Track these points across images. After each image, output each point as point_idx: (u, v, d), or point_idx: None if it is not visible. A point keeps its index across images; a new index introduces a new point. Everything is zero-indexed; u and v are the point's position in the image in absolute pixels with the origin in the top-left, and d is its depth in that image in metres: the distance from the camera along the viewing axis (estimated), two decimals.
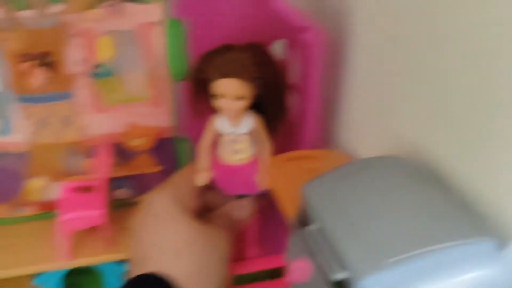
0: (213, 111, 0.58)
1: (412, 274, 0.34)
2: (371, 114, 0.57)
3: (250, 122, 0.57)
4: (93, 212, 0.64)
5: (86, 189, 0.69)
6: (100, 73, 0.66)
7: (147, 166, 0.73)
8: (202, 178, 0.60)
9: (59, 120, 0.67)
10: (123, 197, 0.75)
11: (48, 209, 0.73)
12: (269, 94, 0.56)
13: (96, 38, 0.63)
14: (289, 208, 0.50)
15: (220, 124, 0.57)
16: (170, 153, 0.73)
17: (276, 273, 0.75)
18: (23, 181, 0.70)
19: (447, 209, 0.38)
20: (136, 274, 0.48)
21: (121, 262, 0.70)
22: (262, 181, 0.60)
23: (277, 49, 0.63)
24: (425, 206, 0.38)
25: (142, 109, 0.69)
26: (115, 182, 0.73)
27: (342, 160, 0.58)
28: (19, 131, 0.66)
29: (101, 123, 0.68)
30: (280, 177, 0.55)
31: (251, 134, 0.58)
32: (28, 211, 0.72)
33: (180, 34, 0.64)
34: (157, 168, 0.73)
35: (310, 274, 0.44)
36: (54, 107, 0.66)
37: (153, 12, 0.64)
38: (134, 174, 0.73)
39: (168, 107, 0.70)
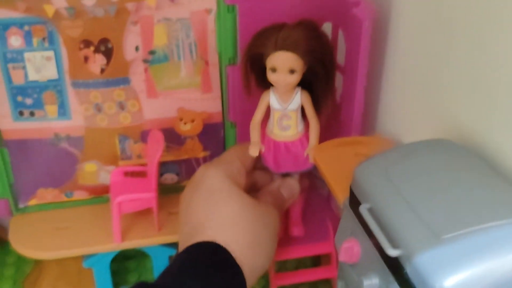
0: (263, 90, 0.61)
1: (466, 251, 0.34)
2: (417, 98, 0.57)
3: (299, 99, 0.59)
4: (144, 195, 0.67)
5: (138, 173, 0.71)
6: (155, 60, 0.68)
7: (195, 151, 0.75)
8: (254, 150, 0.63)
9: (114, 105, 0.70)
10: (170, 182, 0.77)
11: (99, 194, 0.75)
12: (320, 71, 0.58)
13: (152, 25, 0.66)
14: (339, 191, 0.51)
15: (271, 99, 0.60)
16: (218, 139, 0.75)
17: (318, 261, 0.77)
18: (77, 165, 0.73)
19: (498, 189, 0.38)
20: (190, 243, 0.50)
21: (169, 245, 0.72)
22: (310, 157, 0.62)
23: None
24: (477, 186, 0.39)
25: (193, 94, 0.71)
26: (163, 167, 0.75)
27: (389, 146, 0.59)
28: (75, 116, 0.69)
29: (153, 108, 0.71)
30: (329, 161, 0.56)
31: (300, 111, 0.60)
32: (80, 195, 0.75)
33: (232, 20, 0.66)
34: (204, 153, 0.76)
35: (360, 255, 0.45)
36: (109, 92, 0.69)
37: (207, 0, 0.66)
38: (181, 159, 0.76)
39: (217, 93, 0.72)
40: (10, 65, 0.65)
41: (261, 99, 0.62)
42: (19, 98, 0.67)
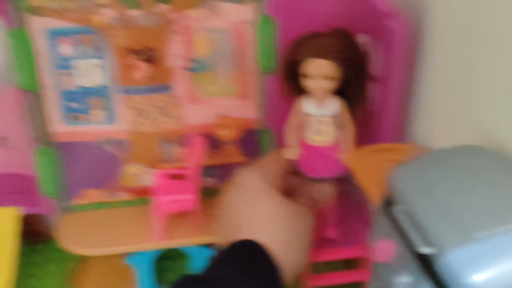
0: (300, 96, 0.63)
1: (496, 249, 0.36)
2: (449, 106, 0.59)
3: (334, 106, 0.61)
4: (186, 197, 0.70)
5: (179, 176, 0.74)
6: (196, 68, 0.71)
7: (233, 156, 0.78)
8: (291, 153, 0.65)
9: (157, 111, 0.73)
10: (209, 186, 0.80)
11: (141, 195, 0.79)
12: (354, 78, 0.60)
13: (195, 35, 0.69)
14: (373, 195, 0.53)
15: (307, 105, 0.62)
16: (255, 145, 0.77)
17: (352, 264, 0.78)
18: (120, 168, 0.76)
19: None
20: (232, 241, 0.52)
21: (207, 246, 0.75)
22: (345, 162, 0.63)
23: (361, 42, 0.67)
24: (507, 188, 0.40)
25: (232, 102, 0.74)
26: (202, 171, 0.78)
27: (422, 152, 0.60)
28: (120, 120, 0.73)
29: (195, 114, 0.74)
30: (364, 167, 0.58)
31: (335, 117, 0.62)
32: (124, 196, 0.79)
33: (271, 31, 0.69)
34: (242, 159, 0.78)
35: (394, 255, 0.47)
36: (153, 98, 0.72)
37: (247, 11, 0.69)
38: (221, 164, 0.78)
39: (256, 100, 0.75)
40: (60, 72, 0.69)
41: (296, 105, 0.64)
42: (68, 103, 0.71)
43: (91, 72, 0.70)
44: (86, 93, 0.71)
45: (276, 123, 0.76)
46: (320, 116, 0.62)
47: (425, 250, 0.39)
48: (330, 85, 0.59)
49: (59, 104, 0.71)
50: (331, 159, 0.65)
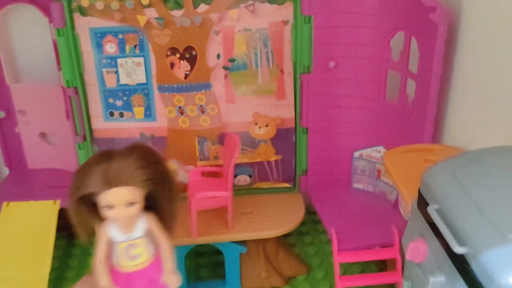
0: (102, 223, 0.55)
1: None
2: (484, 107, 0.58)
3: (144, 224, 0.55)
4: (220, 193, 0.71)
5: (214, 174, 0.76)
6: (234, 67, 0.73)
7: (268, 154, 0.79)
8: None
9: (195, 109, 0.75)
10: (243, 184, 0.82)
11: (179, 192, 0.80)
12: (161, 193, 0.54)
13: (233, 35, 0.71)
14: (407, 194, 0.53)
15: (112, 232, 0.54)
16: (289, 143, 0.79)
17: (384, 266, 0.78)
18: None
19: None
20: None
21: (240, 243, 0.76)
22: (169, 281, 0.58)
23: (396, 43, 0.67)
24: None
25: (268, 101, 0.75)
26: (237, 169, 0.79)
27: (457, 153, 0.60)
28: (160, 118, 0.75)
29: (231, 112, 0.76)
30: (398, 166, 0.58)
31: (146, 235, 0.56)
32: None
33: (309, 31, 0.70)
34: (276, 157, 0.79)
35: (427, 254, 0.47)
36: (192, 97, 0.74)
37: (285, 12, 0.70)
38: (255, 162, 0.80)
39: (291, 100, 0.76)
40: (104, 70, 0.72)
41: (100, 236, 0.55)
42: (111, 100, 0.73)
43: (133, 71, 0.72)
44: (128, 90, 0.73)
45: (312, 123, 0.77)
46: (129, 241, 0.55)
47: (459, 250, 0.39)
48: (135, 209, 0.52)
49: (102, 102, 0.73)
50: (152, 279, 0.58)
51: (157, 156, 0.55)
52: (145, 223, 0.55)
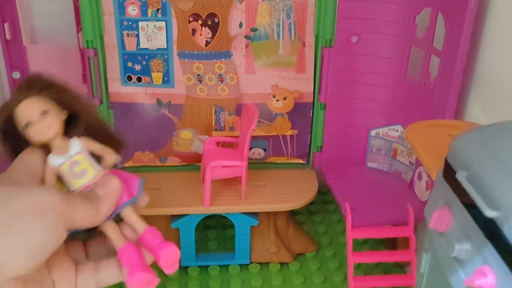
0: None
1: None
2: (508, 85, 0.58)
3: (78, 143, 0.52)
4: (236, 163, 0.71)
5: (230, 144, 0.76)
6: (256, 37, 0.72)
7: (284, 128, 0.78)
8: None
9: (214, 77, 0.74)
10: (257, 157, 0.81)
11: (191, 162, 0.80)
12: (69, 104, 0.52)
13: (257, 4, 0.70)
14: (432, 165, 0.53)
15: (51, 160, 0.51)
16: (306, 118, 0.78)
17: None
18: (174, 132, 0.78)
19: None
20: None
21: (251, 215, 0.76)
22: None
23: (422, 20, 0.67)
24: None
25: (287, 73, 0.75)
26: (252, 142, 0.79)
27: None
28: (178, 84, 0.74)
29: (250, 83, 0.75)
30: (422, 139, 0.58)
31: (88, 154, 0.52)
32: (173, 161, 0.80)
33: (332, 3, 0.69)
34: (292, 132, 0.79)
35: (451, 223, 0.47)
36: (211, 65, 0.73)
37: None
38: (270, 135, 0.79)
39: (311, 74, 0.75)
40: (125, 33, 0.71)
41: (45, 169, 0.50)
42: (129, 64, 0.73)
43: (154, 35, 0.71)
44: (148, 55, 0.72)
45: (330, 99, 0.76)
46: (69, 160, 0.51)
47: (491, 213, 0.39)
48: (51, 118, 0.48)
49: (120, 65, 0.73)
50: None
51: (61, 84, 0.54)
52: (79, 142, 0.51)
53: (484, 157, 0.43)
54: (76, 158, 0.51)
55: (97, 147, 0.53)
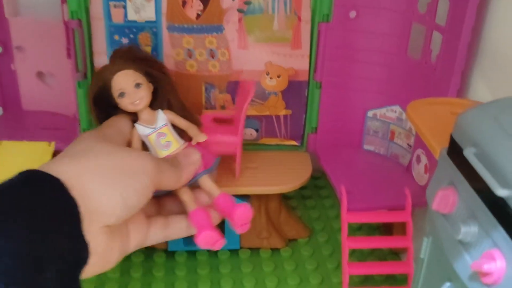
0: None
1: None
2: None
3: (163, 116, 0.59)
4: (231, 138, 0.67)
5: (224, 121, 0.72)
6: (249, 10, 0.69)
7: (277, 108, 0.75)
8: None
9: (204, 52, 0.71)
10: (249, 138, 0.78)
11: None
12: (160, 80, 0.60)
13: None
14: (435, 143, 0.50)
15: (139, 129, 0.58)
16: (301, 98, 0.75)
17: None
18: None
19: None
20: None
21: (243, 197, 0.73)
22: (199, 138, 0.61)
23: None
24: None
25: (282, 49, 0.71)
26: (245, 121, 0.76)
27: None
28: (167, 59, 0.71)
29: (242, 59, 0.71)
30: (423, 117, 0.55)
31: (171, 126, 0.59)
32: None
33: None
34: (286, 112, 0.76)
35: (456, 204, 0.44)
36: (202, 39, 0.70)
37: None
38: (263, 115, 0.76)
39: (307, 50, 0.72)
40: (111, 3, 0.67)
41: (132, 137, 0.58)
42: (116, 37, 0.69)
43: (143, 6, 0.67)
44: (136, 27, 0.69)
45: (327, 77, 0.73)
46: (156, 131, 0.58)
47: (502, 192, 0.36)
48: (143, 91, 0.57)
49: (107, 38, 0.69)
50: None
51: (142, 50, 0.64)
52: (164, 115, 0.59)
53: (495, 132, 0.40)
54: (162, 130, 0.59)
55: (183, 122, 0.60)
